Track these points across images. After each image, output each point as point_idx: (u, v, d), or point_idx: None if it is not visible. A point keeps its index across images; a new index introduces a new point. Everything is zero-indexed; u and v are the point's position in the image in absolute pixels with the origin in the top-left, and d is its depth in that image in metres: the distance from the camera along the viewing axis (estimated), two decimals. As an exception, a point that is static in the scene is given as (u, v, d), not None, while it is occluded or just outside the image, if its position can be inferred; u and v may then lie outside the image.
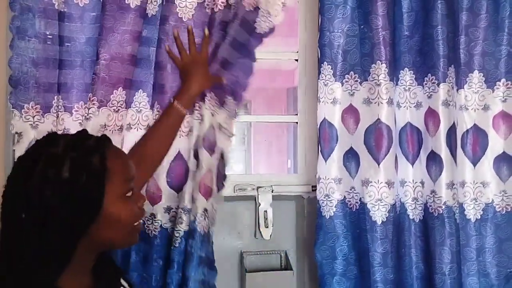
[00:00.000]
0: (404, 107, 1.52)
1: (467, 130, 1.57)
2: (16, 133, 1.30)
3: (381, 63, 1.46)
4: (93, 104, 1.34)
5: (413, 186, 1.52)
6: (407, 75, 1.51)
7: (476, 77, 1.56)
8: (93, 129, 1.32)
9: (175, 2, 1.44)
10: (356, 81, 1.52)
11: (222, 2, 1.43)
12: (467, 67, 1.56)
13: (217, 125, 1.44)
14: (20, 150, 1.29)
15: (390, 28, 1.47)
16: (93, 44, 1.35)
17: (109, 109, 1.36)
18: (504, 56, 1.55)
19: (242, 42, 1.40)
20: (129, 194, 0.89)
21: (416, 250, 1.51)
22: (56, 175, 0.81)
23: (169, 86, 1.44)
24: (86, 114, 1.34)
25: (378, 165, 1.47)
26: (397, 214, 1.51)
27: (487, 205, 1.58)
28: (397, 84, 1.52)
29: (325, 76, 1.52)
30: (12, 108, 1.30)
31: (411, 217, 1.52)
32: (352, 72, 1.52)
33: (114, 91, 1.36)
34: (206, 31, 1.43)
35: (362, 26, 1.51)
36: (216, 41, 1.43)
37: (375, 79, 1.48)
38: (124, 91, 1.37)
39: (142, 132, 1.41)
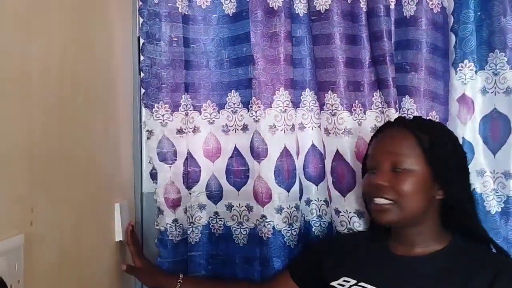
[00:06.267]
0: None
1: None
2: (147, 130, 1.39)
3: None
4: (258, 107, 1.36)
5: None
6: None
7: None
8: (264, 129, 1.36)
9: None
10: None
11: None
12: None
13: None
14: (150, 146, 1.38)
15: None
16: (217, 45, 1.43)
17: (275, 109, 1.37)
18: None
19: (440, 46, 1.33)
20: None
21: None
22: None
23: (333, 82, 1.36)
24: (255, 116, 1.36)
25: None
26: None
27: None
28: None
29: None
30: (145, 107, 1.39)
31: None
32: None
33: (276, 91, 1.36)
34: None
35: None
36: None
37: None
38: (286, 91, 1.37)
39: (316, 131, 1.42)
